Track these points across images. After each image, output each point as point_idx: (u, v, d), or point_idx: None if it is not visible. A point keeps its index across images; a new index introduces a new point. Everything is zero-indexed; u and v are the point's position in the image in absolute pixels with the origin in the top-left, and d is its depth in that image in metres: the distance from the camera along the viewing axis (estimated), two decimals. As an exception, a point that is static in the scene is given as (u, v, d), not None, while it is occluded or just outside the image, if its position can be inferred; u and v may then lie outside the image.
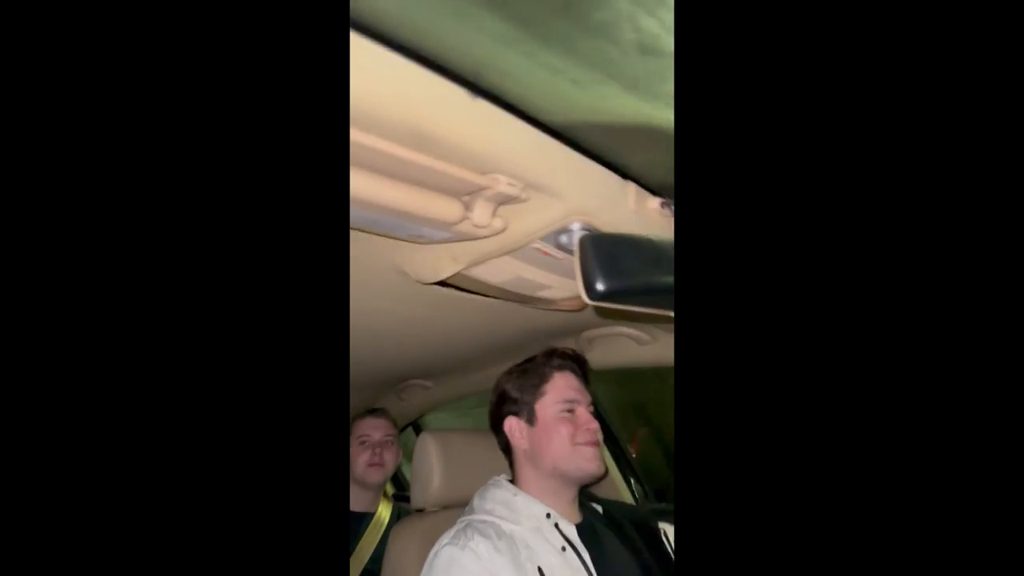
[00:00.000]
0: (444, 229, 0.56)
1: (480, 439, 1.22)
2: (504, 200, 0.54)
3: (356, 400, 1.64)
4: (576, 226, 0.60)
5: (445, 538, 0.87)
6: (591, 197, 0.56)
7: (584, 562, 0.85)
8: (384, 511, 1.62)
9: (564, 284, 0.74)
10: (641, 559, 0.90)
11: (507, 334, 1.10)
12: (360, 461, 1.57)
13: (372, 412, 1.66)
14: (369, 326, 0.98)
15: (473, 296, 0.80)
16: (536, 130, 0.45)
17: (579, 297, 0.55)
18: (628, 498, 1.49)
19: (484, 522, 0.88)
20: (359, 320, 0.93)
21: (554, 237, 0.62)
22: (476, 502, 0.95)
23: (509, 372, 1.01)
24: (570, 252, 0.62)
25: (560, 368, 0.96)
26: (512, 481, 0.97)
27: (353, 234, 0.63)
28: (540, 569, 0.81)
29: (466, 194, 0.53)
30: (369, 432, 1.60)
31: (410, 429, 1.98)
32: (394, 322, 0.98)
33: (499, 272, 0.70)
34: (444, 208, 0.53)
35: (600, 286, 0.52)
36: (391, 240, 0.65)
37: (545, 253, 0.66)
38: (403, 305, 0.90)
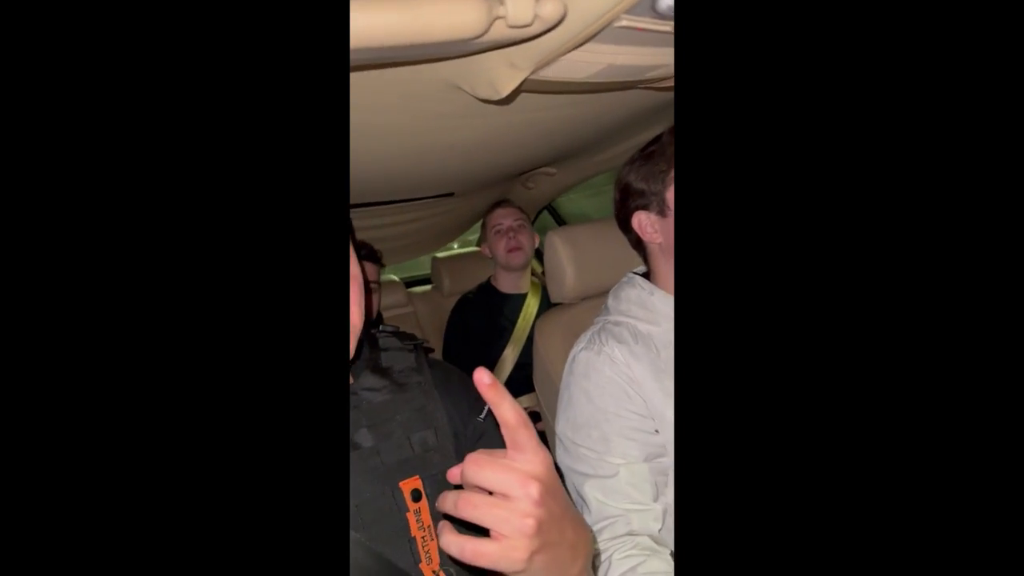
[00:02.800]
0: (472, 44, 0.39)
1: (607, 229, 1.14)
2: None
3: (478, 200, 1.63)
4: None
5: (582, 341, 0.85)
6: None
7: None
8: (534, 293, 1.74)
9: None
10: None
11: (619, 117, 0.90)
12: (500, 248, 1.65)
13: (499, 204, 1.68)
14: (453, 140, 0.87)
15: (560, 95, 0.62)
16: None
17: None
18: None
19: (619, 324, 0.84)
20: (440, 136, 0.82)
21: (647, 4, 0.41)
22: (611, 302, 0.91)
23: (631, 161, 0.85)
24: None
25: None
26: (647, 276, 0.90)
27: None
28: None
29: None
30: (500, 221, 1.65)
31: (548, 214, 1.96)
32: (477, 133, 0.85)
33: (582, 66, 0.51)
34: (460, 12, 0.36)
35: None
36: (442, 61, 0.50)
37: (641, 28, 0.45)
38: (479, 118, 0.76)
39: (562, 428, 0.82)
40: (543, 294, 1.75)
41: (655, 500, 0.73)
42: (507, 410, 0.45)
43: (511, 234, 1.64)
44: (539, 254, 2.08)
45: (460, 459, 0.68)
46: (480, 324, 1.70)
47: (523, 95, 0.65)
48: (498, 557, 0.43)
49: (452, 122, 0.76)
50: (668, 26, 0.45)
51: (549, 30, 0.41)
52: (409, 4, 0.36)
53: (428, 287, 2.22)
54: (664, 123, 1.09)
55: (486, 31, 0.37)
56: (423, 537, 0.61)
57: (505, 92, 0.53)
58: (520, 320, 1.71)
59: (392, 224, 1.49)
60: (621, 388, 0.78)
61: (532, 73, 0.51)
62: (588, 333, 0.87)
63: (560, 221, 2.00)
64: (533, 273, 1.82)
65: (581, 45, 0.46)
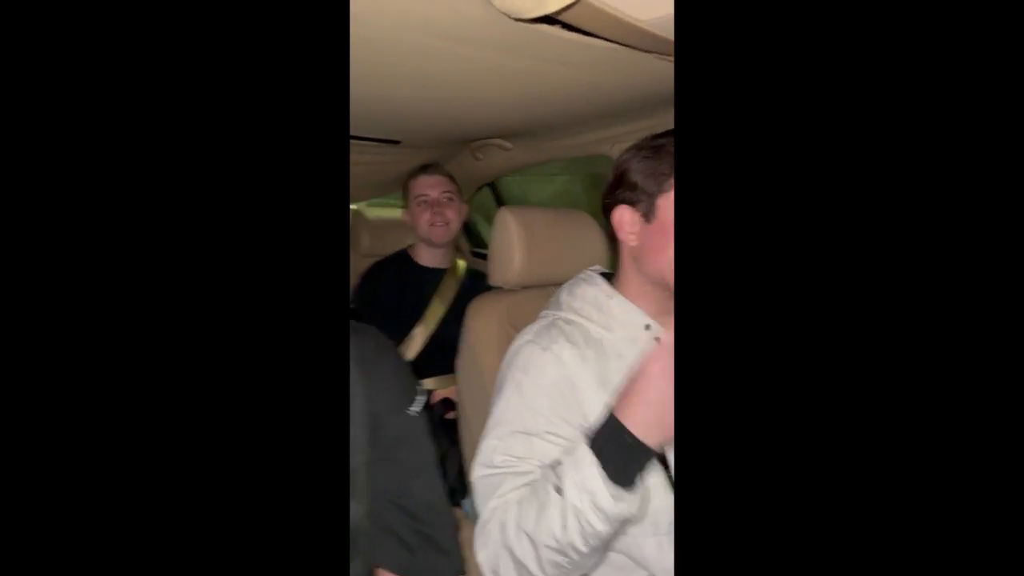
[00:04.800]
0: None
1: (565, 219, 1.07)
2: None
3: (424, 157, 1.47)
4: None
5: (527, 333, 0.78)
6: None
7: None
8: (456, 268, 1.62)
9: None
10: None
11: (614, 100, 0.82)
12: (423, 221, 1.50)
13: (424, 169, 1.51)
14: (436, 70, 0.73)
15: (588, 39, 0.52)
16: None
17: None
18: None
19: (571, 323, 0.77)
20: (421, 61, 0.68)
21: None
22: (564, 297, 0.83)
23: (637, 148, 0.76)
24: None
25: None
26: (608, 278, 0.83)
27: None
28: None
29: None
30: (425, 191, 1.49)
31: (487, 190, 1.84)
32: (469, 68, 0.72)
33: (647, 3, 0.41)
34: None
35: None
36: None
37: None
38: (482, 49, 0.63)
39: (485, 428, 0.73)
40: (467, 273, 1.64)
41: None
42: None
43: (437, 208, 1.49)
44: (467, 230, 1.96)
45: (376, 452, 0.55)
46: (391, 296, 1.54)
47: (535, 33, 0.54)
48: None
49: (441, 44, 0.62)
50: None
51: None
52: None
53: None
54: (650, 125, 1.04)
55: None
56: None
57: (545, 10, 0.41)
58: (436, 297, 1.58)
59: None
60: (560, 391, 0.71)
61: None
62: (536, 326, 0.79)
63: (500, 202, 1.89)
64: (457, 249, 1.70)
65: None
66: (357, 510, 0.52)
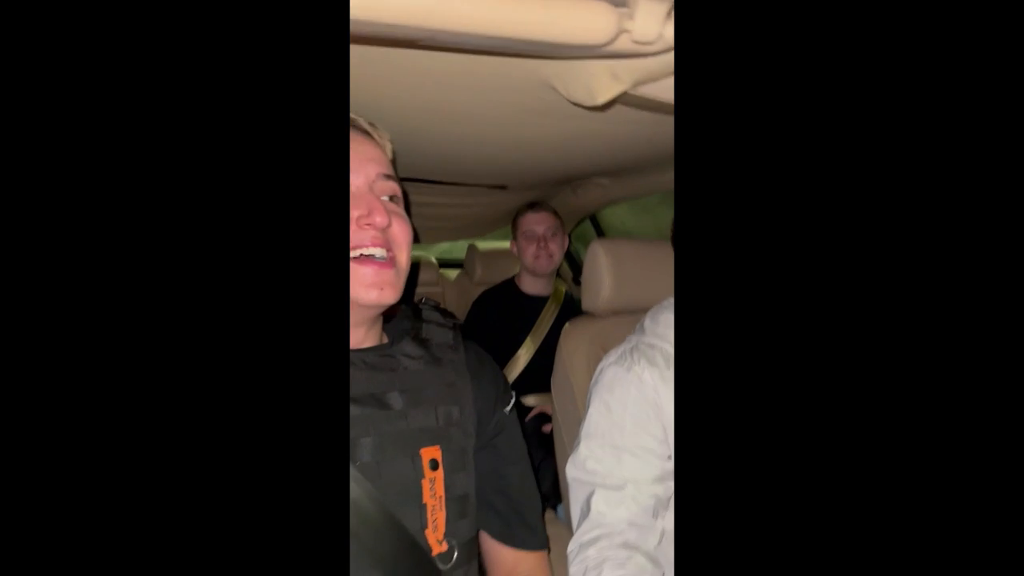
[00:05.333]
0: (590, 50, 0.41)
1: (653, 250, 1.15)
2: None
3: (528, 197, 1.65)
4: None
5: (612, 355, 0.86)
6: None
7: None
8: (556, 297, 1.76)
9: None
10: None
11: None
12: (528, 253, 1.66)
13: (532, 207, 1.67)
14: (530, 135, 0.89)
15: (641, 110, 0.64)
16: None
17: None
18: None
19: (653, 347, 0.84)
20: (518, 130, 0.84)
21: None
22: (647, 323, 0.91)
23: None
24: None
25: None
26: None
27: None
28: None
29: (623, -2, 0.37)
30: (532, 227, 1.66)
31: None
32: (555, 132, 0.87)
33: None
34: (590, 18, 0.38)
35: None
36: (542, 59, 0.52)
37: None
38: (562, 120, 0.77)
39: (577, 438, 0.83)
40: (566, 299, 1.77)
41: (655, 519, 0.75)
42: None
43: (542, 242, 1.65)
44: (570, 259, 2.10)
45: (479, 441, 0.70)
46: (498, 320, 1.71)
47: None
48: None
49: (530, 118, 0.78)
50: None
51: (666, 51, 0.43)
52: (542, 2, 0.38)
53: (459, 271, 2.26)
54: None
55: (611, 41, 0.39)
56: (433, 506, 0.63)
57: (601, 101, 0.55)
58: (538, 323, 1.72)
59: (442, 204, 1.52)
60: (643, 409, 0.79)
61: (631, 88, 0.53)
62: (620, 349, 0.87)
63: (600, 232, 2.01)
64: (559, 276, 1.84)
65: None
66: (468, 481, 0.66)
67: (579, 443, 0.81)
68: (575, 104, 0.60)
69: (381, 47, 0.52)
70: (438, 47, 0.47)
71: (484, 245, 2.20)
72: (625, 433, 0.78)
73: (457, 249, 2.45)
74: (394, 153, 0.67)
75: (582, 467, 0.79)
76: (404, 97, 0.70)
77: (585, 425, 0.82)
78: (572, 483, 0.80)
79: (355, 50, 0.53)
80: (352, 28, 0.39)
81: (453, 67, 0.60)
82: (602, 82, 0.53)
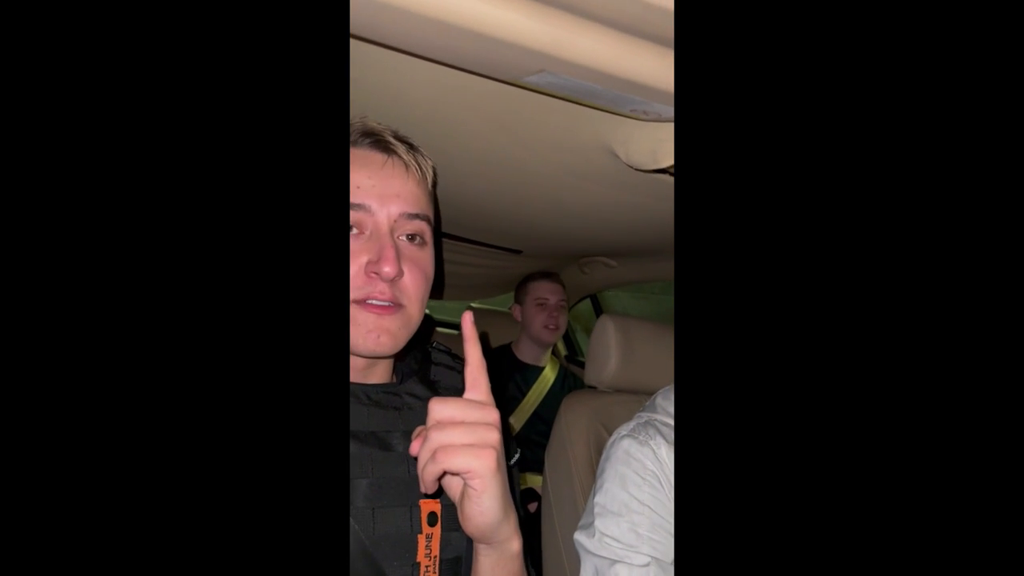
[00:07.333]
0: (669, 102, 0.43)
1: (660, 332, 1.15)
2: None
3: (538, 266, 1.67)
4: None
5: (624, 429, 0.84)
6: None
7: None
8: (551, 368, 1.73)
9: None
10: None
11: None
12: (537, 321, 1.66)
13: (547, 276, 1.69)
14: (563, 198, 0.91)
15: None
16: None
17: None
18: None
19: (668, 425, 0.82)
20: (552, 191, 0.86)
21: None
22: (660, 401, 0.90)
23: None
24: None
25: None
26: None
27: (562, 103, 0.53)
28: None
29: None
30: (546, 296, 1.67)
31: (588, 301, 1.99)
32: (590, 199, 0.89)
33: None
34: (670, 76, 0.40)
35: None
36: (608, 114, 0.54)
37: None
38: (604, 187, 0.80)
39: (590, 507, 0.80)
40: (560, 372, 1.74)
41: None
42: (473, 352, 0.53)
43: (553, 312, 1.66)
44: (564, 335, 2.09)
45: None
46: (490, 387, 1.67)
47: (650, 177, 0.69)
48: (470, 459, 0.47)
49: (570, 180, 0.80)
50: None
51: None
52: (621, 39, 0.40)
53: (455, 332, 2.22)
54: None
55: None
56: (427, 566, 0.57)
57: (665, 164, 0.56)
58: (531, 393, 1.68)
59: (453, 262, 1.52)
60: (659, 485, 0.76)
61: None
62: (632, 423, 0.86)
63: (599, 312, 2.02)
64: (553, 351, 1.82)
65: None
66: (462, 542, 0.61)
67: (594, 514, 0.78)
68: (632, 167, 0.62)
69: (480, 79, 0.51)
70: (511, 83, 0.49)
71: (481, 306, 2.19)
72: (643, 508, 0.75)
73: (446, 309, 2.43)
74: (435, 173, 0.64)
75: (599, 543, 0.75)
76: (456, 135, 0.71)
77: (600, 497, 0.79)
78: (586, 554, 0.76)
79: (415, 70, 0.54)
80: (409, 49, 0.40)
81: (521, 117, 0.62)
82: (667, 147, 0.55)
